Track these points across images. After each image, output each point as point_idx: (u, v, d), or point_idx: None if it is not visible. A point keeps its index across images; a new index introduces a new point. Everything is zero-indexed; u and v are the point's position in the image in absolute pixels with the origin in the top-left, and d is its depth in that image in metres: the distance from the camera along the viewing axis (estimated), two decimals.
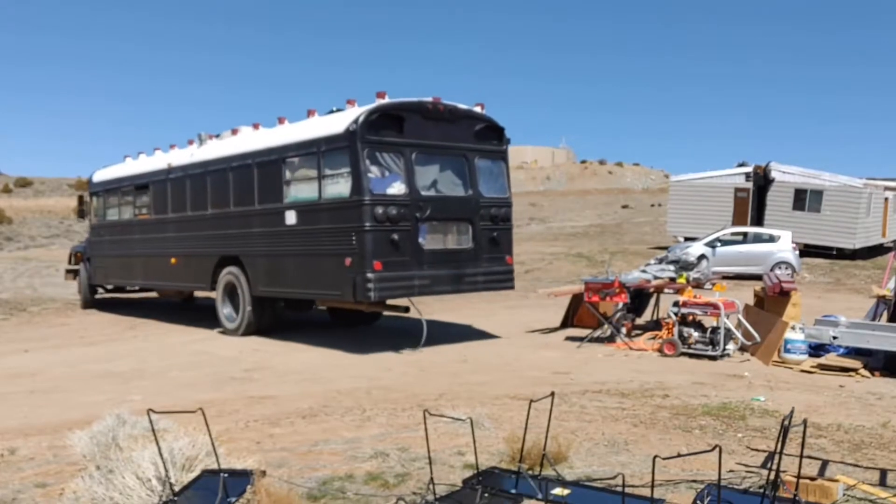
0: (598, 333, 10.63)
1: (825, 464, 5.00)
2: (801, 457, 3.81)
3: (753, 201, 24.83)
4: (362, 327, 12.55)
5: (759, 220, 24.22)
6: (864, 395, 7.30)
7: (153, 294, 16.69)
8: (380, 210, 9.48)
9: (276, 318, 11.90)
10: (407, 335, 11.43)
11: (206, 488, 3.94)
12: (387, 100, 9.95)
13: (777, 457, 3.62)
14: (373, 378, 8.30)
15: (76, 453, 4.85)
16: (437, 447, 5.13)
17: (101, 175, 16.15)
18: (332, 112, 10.43)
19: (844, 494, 4.23)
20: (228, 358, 9.92)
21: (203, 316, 14.62)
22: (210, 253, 12.33)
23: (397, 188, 9.82)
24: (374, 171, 9.66)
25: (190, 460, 4.15)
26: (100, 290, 16.66)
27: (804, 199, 24.12)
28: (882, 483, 4.59)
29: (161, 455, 3.94)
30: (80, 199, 17.76)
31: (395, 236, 9.60)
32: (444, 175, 10.45)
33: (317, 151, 10.16)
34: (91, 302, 16.59)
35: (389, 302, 10.43)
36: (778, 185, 24.56)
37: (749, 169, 25.38)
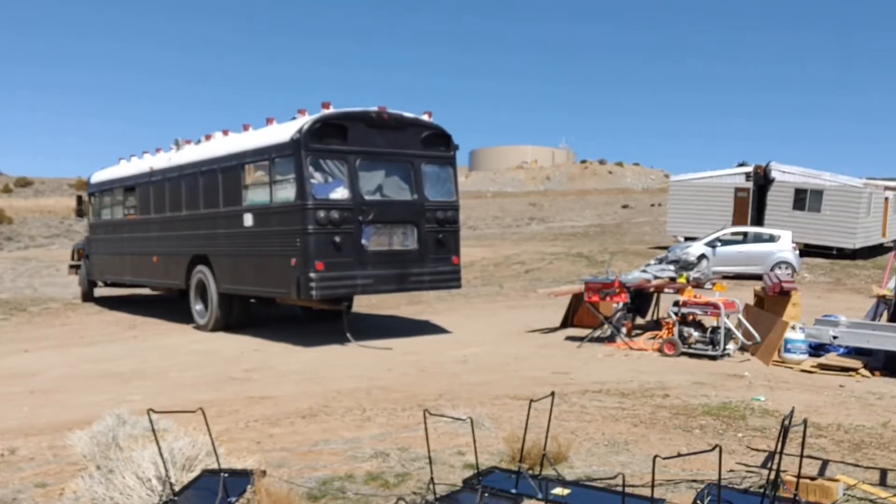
0: (598, 333, 10.63)
1: (825, 464, 5.00)
2: (802, 456, 3.81)
3: (753, 201, 24.83)
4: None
5: (759, 220, 24.21)
6: (864, 394, 7.30)
7: (149, 291, 16.83)
8: (322, 214, 10.03)
9: (244, 315, 12.46)
10: (406, 334, 11.44)
11: (206, 488, 3.94)
12: (331, 110, 10.46)
13: (777, 456, 3.62)
14: (373, 378, 8.30)
15: (76, 453, 4.85)
16: (438, 447, 5.13)
17: (97, 176, 16.94)
18: (293, 119, 10.85)
19: (845, 494, 4.23)
20: (228, 358, 9.92)
21: None
22: (184, 252, 13.02)
23: (340, 193, 10.32)
24: (317, 178, 10.20)
25: (190, 460, 4.15)
26: (100, 283, 17.44)
27: (804, 198, 24.12)
28: (882, 483, 4.59)
29: (161, 455, 3.94)
30: (79, 199, 18.60)
31: (338, 238, 10.15)
32: (389, 180, 10.90)
33: (268, 158, 10.79)
34: (90, 296, 17.54)
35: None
36: (778, 184, 24.55)
37: (749, 169, 25.39)
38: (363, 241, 10.39)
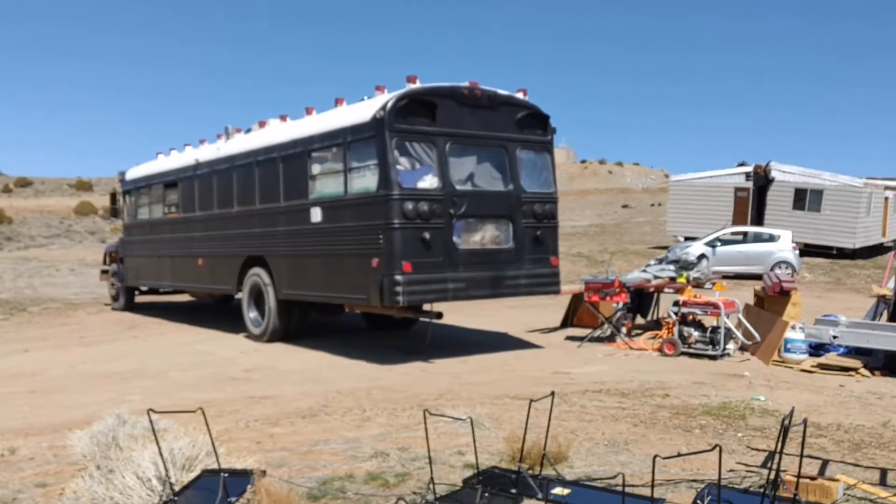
0: (598, 333, 10.64)
1: (825, 463, 5.00)
2: (802, 456, 3.81)
3: (753, 201, 24.85)
4: (369, 330, 12.35)
5: (759, 220, 24.23)
6: (864, 394, 7.30)
7: (167, 294, 16.40)
8: (409, 206, 8.70)
9: (304, 324, 11.16)
10: (410, 337, 11.42)
11: (206, 488, 3.94)
12: (418, 85, 9.13)
13: (777, 456, 3.62)
14: (373, 378, 8.30)
15: (76, 453, 4.85)
16: (438, 447, 5.13)
17: (133, 172, 15.71)
18: (362, 101, 9.69)
19: (845, 494, 4.23)
20: (228, 358, 9.91)
21: (204, 316, 14.63)
22: (236, 253, 11.70)
23: (429, 182, 9.00)
24: (403, 163, 8.89)
25: (190, 460, 4.15)
26: (139, 290, 16.13)
27: (804, 198, 24.15)
28: (882, 482, 4.59)
29: (161, 455, 3.94)
30: (113, 197, 17.14)
31: (427, 235, 8.79)
32: (481, 167, 9.61)
33: (342, 142, 9.42)
34: (129, 304, 16.06)
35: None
36: (778, 184, 24.57)
37: (749, 168, 25.41)
38: (454, 239, 9.04)
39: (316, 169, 10.03)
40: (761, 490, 3.84)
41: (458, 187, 9.15)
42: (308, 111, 10.82)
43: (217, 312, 15.17)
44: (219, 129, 13.02)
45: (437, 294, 9.06)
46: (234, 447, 5.05)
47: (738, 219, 24.43)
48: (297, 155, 10.25)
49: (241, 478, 3.99)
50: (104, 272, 17.03)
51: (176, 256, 13.81)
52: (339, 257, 9.52)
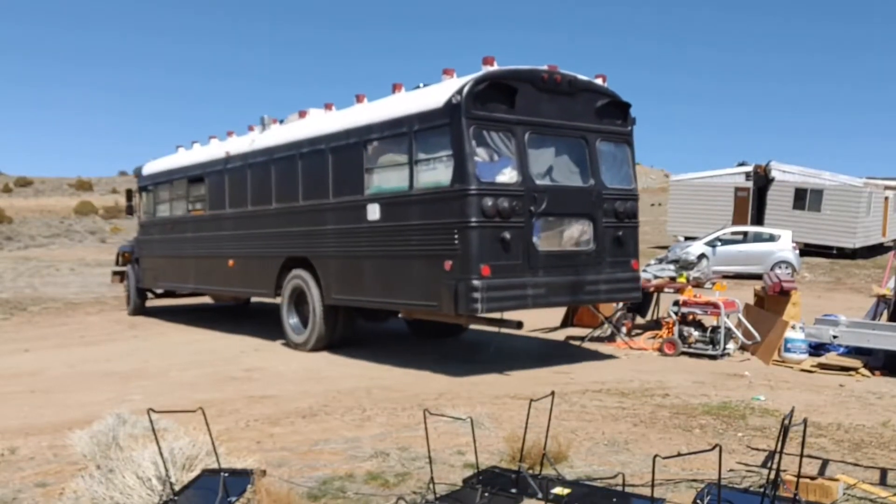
0: (598, 333, 10.64)
1: (825, 463, 5.00)
2: (802, 456, 3.81)
3: (753, 201, 24.89)
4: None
5: (759, 220, 24.26)
6: (864, 394, 7.31)
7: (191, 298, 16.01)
8: (489, 202, 7.86)
9: (350, 330, 10.32)
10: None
11: (206, 488, 3.94)
12: (496, 67, 8.31)
13: (777, 456, 3.62)
14: (373, 378, 8.30)
15: (76, 453, 4.85)
16: (438, 447, 5.13)
17: (150, 167, 14.75)
18: (417, 88, 9.03)
19: (845, 494, 4.23)
20: (229, 357, 9.92)
21: (204, 316, 14.64)
22: (274, 254, 10.76)
23: (508, 175, 8.18)
24: (481, 154, 8.05)
25: (190, 460, 4.15)
26: (150, 294, 15.27)
27: (804, 198, 24.18)
28: (882, 482, 4.59)
29: (161, 454, 3.94)
30: (129, 193, 15.96)
31: (507, 235, 7.96)
32: (559, 160, 8.78)
33: (408, 132, 8.53)
34: (141, 308, 15.24)
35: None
36: (778, 184, 24.60)
37: (749, 168, 25.44)
38: (534, 239, 8.23)
39: (374, 161, 9.14)
40: (761, 490, 3.84)
41: (537, 182, 8.33)
42: (359, 99, 9.96)
43: (217, 312, 15.18)
44: (222, 129, 12.68)
45: (516, 301, 8.21)
46: (234, 447, 5.05)
47: (738, 218, 24.46)
48: (350, 146, 9.33)
49: (242, 477, 4.00)
50: (116, 273, 16.06)
51: (201, 257, 12.86)
52: (403, 259, 8.67)
